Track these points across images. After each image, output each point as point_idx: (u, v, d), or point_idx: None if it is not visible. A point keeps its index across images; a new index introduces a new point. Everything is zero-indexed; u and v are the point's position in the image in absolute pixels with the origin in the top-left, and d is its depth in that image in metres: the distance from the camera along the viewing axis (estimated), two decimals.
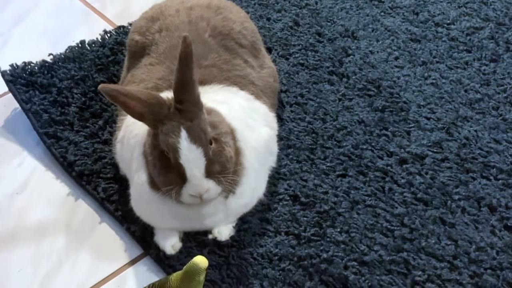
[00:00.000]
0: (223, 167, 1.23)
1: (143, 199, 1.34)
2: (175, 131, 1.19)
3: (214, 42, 1.48)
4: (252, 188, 1.36)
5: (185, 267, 1.15)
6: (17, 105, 1.70)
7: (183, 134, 1.19)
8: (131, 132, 1.37)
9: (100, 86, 1.19)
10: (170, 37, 1.48)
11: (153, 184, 1.27)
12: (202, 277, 1.15)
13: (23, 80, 1.72)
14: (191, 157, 1.19)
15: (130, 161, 1.37)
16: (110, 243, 1.42)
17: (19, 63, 1.77)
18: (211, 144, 1.22)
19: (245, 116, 1.38)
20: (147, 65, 1.48)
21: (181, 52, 1.16)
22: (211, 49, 1.46)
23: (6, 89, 1.74)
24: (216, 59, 1.45)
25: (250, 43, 1.56)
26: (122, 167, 1.46)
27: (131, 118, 1.30)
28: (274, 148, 1.48)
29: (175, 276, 1.17)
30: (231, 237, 1.37)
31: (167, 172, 1.23)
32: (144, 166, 1.30)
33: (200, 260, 1.13)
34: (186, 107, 1.20)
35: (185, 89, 1.19)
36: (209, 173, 1.21)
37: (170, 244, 1.34)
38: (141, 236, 1.39)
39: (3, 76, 1.74)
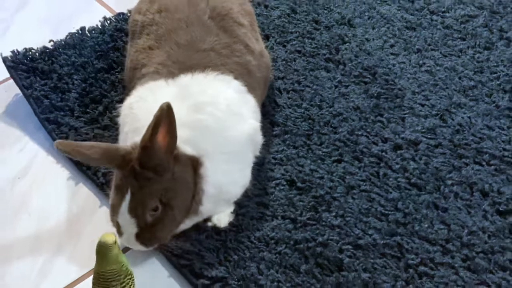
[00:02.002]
0: (155, 234, 1.24)
1: None
2: (123, 191, 1.20)
3: (214, 24, 1.46)
4: (219, 188, 1.32)
5: (96, 250, 1.17)
6: (18, 90, 1.70)
7: (127, 198, 1.20)
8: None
9: (56, 143, 1.19)
10: (170, 19, 1.46)
11: None
12: (114, 252, 1.16)
13: (24, 66, 1.72)
14: (124, 223, 1.23)
15: None
16: (110, 226, 1.38)
17: (20, 49, 1.76)
18: (156, 210, 1.22)
19: (226, 115, 1.33)
20: (147, 49, 1.45)
21: (154, 117, 1.13)
22: (210, 32, 1.44)
23: (7, 75, 1.74)
24: (215, 43, 1.42)
25: (249, 23, 1.54)
26: None
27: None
28: (259, 140, 1.44)
29: (98, 263, 1.19)
30: (230, 221, 1.38)
31: (113, 214, 1.25)
32: None
33: (104, 237, 1.15)
34: (143, 173, 1.18)
35: (148, 157, 1.17)
36: (139, 238, 1.23)
37: None
38: None
39: (4, 62, 1.73)
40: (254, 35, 1.55)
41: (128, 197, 1.19)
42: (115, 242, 1.16)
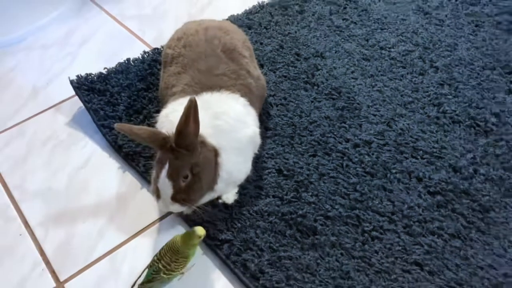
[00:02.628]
0: (188, 196, 1.21)
1: None
2: (163, 162, 1.18)
3: (224, 55, 1.44)
4: (230, 174, 1.31)
5: (186, 231, 1.17)
6: (81, 104, 1.70)
7: (166, 167, 1.17)
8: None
9: (116, 125, 1.19)
10: (193, 52, 1.45)
11: None
12: (196, 242, 1.16)
13: (86, 86, 1.71)
14: (163, 186, 1.19)
15: None
16: (148, 203, 1.42)
17: (83, 74, 1.76)
18: (186, 178, 1.19)
19: (236, 122, 1.32)
20: (176, 74, 1.44)
21: (185, 108, 1.13)
22: (222, 61, 1.43)
23: (73, 93, 1.73)
24: (226, 69, 1.41)
25: (249, 55, 1.53)
26: None
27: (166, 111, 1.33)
28: (258, 141, 1.43)
29: (179, 237, 1.18)
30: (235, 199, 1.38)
31: (155, 181, 1.22)
32: None
33: (198, 229, 1.15)
34: (178, 150, 1.17)
35: (181, 138, 1.16)
36: (174, 199, 1.20)
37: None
38: None
39: (71, 83, 1.73)
40: (253, 64, 1.54)
41: (166, 166, 1.17)
42: (200, 238, 1.16)
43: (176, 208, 1.21)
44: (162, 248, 1.19)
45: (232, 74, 1.41)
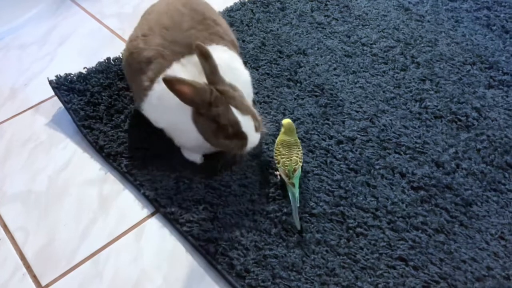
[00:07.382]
0: (258, 121, 1.26)
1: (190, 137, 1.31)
2: (229, 110, 1.19)
3: (187, 11, 1.40)
4: None
5: (283, 129, 1.35)
6: (61, 105, 1.67)
7: (235, 111, 1.19)
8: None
9: (164, 77, 1.16)
10: (155, 14, 1.42)
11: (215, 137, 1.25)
12: (294, 128, 1.36)
13: (65, 86, 1.68)
14: (248, 125, 1.21)
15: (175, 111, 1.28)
16: (131, 204, 1.40)
17: (62, 74, 1.73)
18: None
19: (232, 70, 1.31)
20: (140, 37, 1.38)
21: (200, 52, 1.18)
22: (186, 16, 1.39)
23: (52, 93, 1.70)
24: (192, 22, 1.38)
25: (212, 21, 1.46)
26: (160, 116, 1.36)
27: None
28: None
29: (282, 136, 1.36)
30: (220, 198, 1.36)
31: (231, 140, 1.23)
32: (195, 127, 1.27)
33: (285, 121, 1.34)
34: (222, 87, 1.18)
35: (214, 73, 1.19)
36: (257, 129, 1.25)
37: (198, 157, 1.34)
38: (154, 199, 1.38)
39: (50, 83, 1.70)
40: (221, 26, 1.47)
41: (235, 110, 1.18)
42: (292, 124, 1.34)
43: (259, 137, 1.26)
44: (278, 152, 1.33)
45: (198, 25, 1.37)
